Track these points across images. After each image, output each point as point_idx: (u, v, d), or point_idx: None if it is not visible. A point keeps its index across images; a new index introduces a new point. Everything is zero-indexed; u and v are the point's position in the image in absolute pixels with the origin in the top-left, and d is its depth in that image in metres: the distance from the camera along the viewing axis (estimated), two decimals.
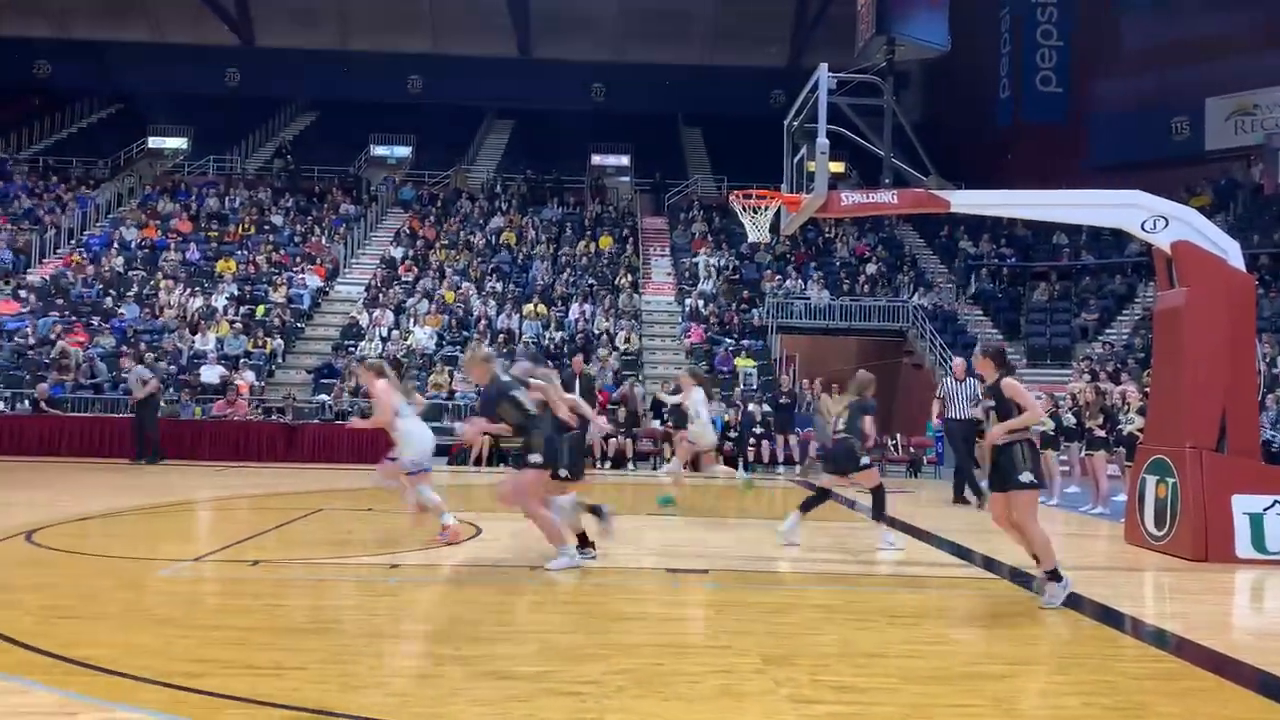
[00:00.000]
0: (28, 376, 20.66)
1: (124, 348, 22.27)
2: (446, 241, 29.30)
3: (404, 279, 26.83)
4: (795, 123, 10.85)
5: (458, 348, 23.16)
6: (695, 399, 12.35)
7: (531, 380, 7.94)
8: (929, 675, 5.14)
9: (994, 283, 27.96)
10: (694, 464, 14.19)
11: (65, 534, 8.95)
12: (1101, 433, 13.41)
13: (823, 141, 9.83)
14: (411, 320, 24.35)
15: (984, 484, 12.82)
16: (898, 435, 20.86)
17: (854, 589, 7.59)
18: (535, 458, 7.57)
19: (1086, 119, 31.38)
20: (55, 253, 27.93)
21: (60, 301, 24.54)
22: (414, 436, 8.94)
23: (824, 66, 10.00)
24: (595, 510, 8.46)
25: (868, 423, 9.39)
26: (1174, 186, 24.20)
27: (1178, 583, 8.38)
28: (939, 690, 4.87)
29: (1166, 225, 9.92)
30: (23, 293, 24.85)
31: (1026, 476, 6.73)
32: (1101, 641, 6.20)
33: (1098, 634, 6.39)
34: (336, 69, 40.44)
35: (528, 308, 25.04)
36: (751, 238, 12.19)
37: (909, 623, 6.36)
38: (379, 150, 36.75)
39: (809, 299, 26.05)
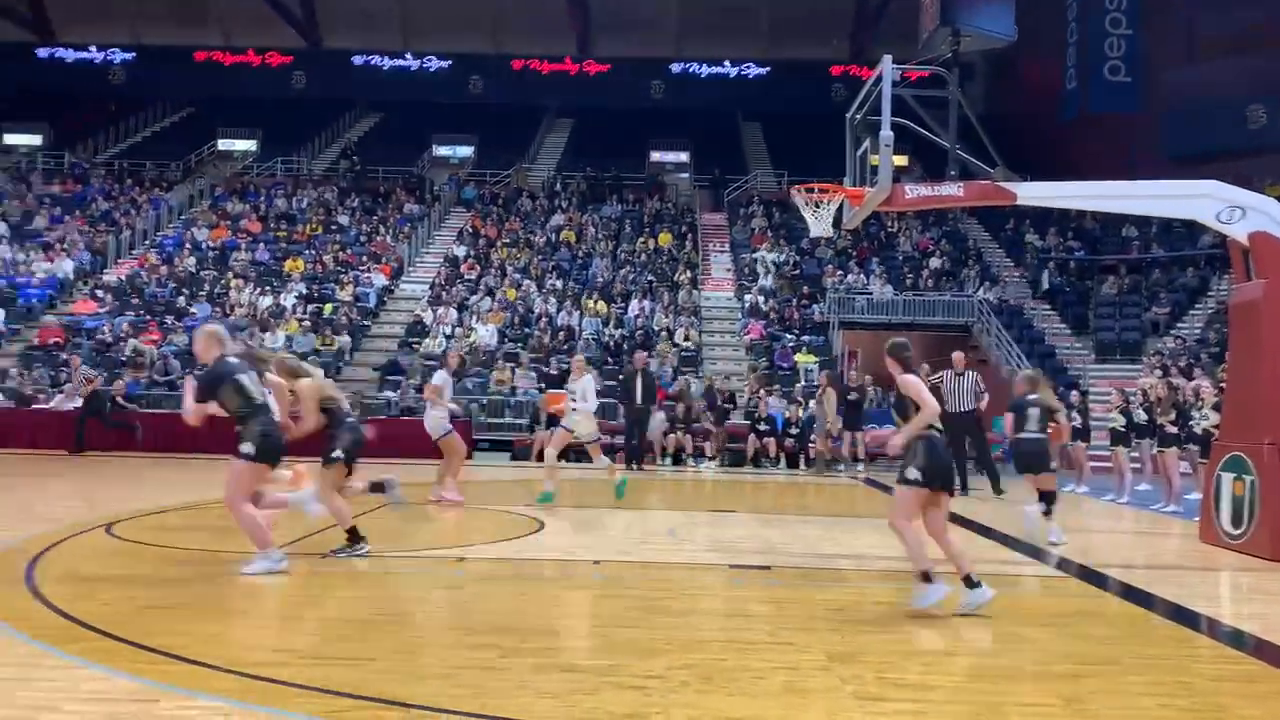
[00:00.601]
0: (105, 374, 21.26)
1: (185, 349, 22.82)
2: (508, 240, 29.54)
3: (467, 277, 27.11)
4: (858, 116, 10.75)
5: (519, 345, 23.38)
6: (583, 386, 11.83)
7: (273, 376, 7.65)
8: (998, 674, 5.08)
9: (1061, 276, 27.43)
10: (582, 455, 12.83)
11: (143, 526, 9.20)
12: (1173, 429, 13.10)
13: (887, 134, 9.72)
14: (474, 318, 24.61)
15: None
16: None
17: None
18: (246, 448, 7.02)
19: (1157, 109, 30.58)
20: (130, 253, 28.70)
21: (135, 301, 25.22)
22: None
23: (888, 58, 9.89)
24: (378, 486, 8.43)
25: (1062, 419, 9.51)
26: (1250, 177, 23.48)
27: (1256, 583, 8.16)
28: (1009, 689, 4.81)
29: (1243, 216, 9.66)
30: (100, 292, 25.60)
31: (912, 473, 6.30)
32: (1176, 642, 6.07)
33: (1172, 634, 6.26)
34: (399, 71, 41.05)
35: (588, 305, 25.16)
36: (814, 232, 12.09)
37: (976, 621, 6.27)
38: (441, 150, 37.14)
39: (871, 294, 25.78)
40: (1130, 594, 7.35)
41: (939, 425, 6.42)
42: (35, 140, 36.68)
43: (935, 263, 27.60)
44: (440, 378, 12.01)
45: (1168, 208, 12.51)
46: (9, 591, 6.26)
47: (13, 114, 37.65)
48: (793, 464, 19.52)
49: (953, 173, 10.39)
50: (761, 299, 25.82)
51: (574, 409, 11.85)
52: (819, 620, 6.18)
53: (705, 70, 40.74)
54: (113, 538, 8.65)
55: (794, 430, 19.65)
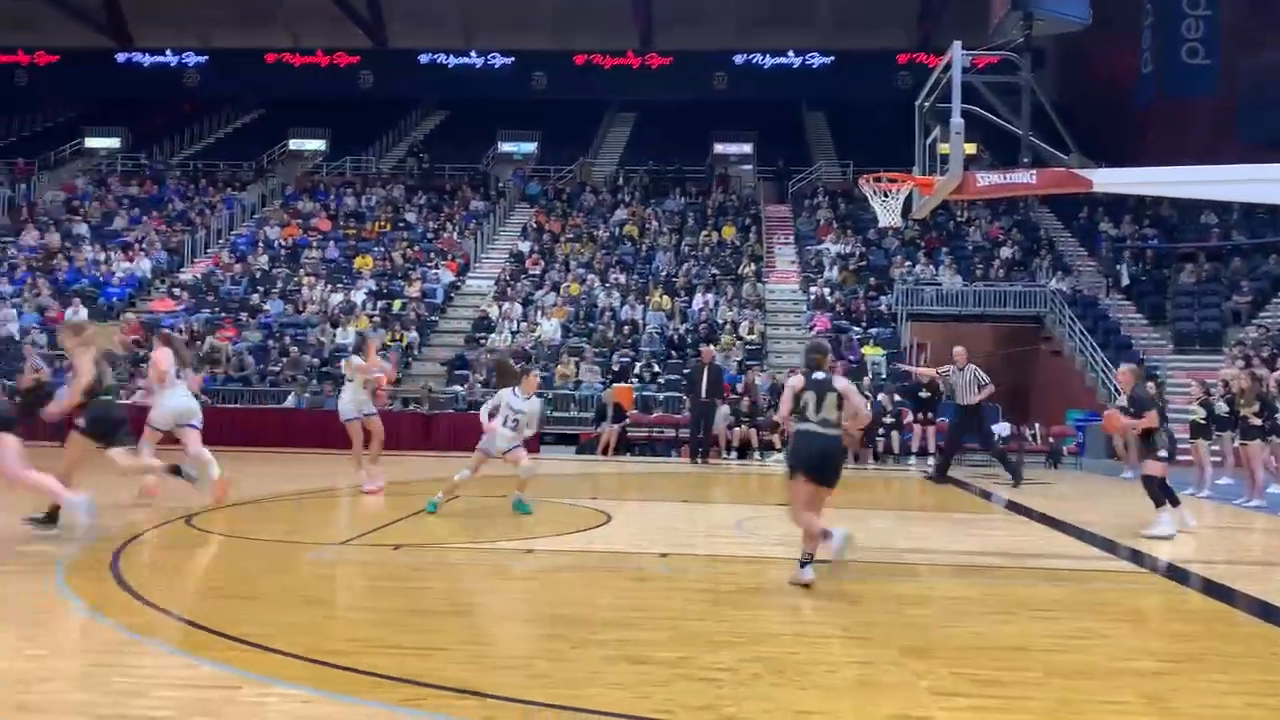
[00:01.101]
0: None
1: (270, 341, 23.36)
2: (571, 235, 29.68)
3: (531, 272, 27.32)
4: (926, 104, 10.58)
5: (584, 339, 23.49)
6: (533, 409, 10.25)
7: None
8: (1075, 670, 4.97)
9: (1137, 265, 26.74)
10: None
11: (222, 519, 9.42)
12: (1257, 421, 12.71)
13: (957, 121, 9.54)
14: (539, 312, 24.78)
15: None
16: (1036, 425, 20.17)
17: (991, 581, 7.40)
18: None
19: (1239, 92, 29.59)
20: (205, 252, 29.45)
21: (211, 298, 25.86)
22: (163, 403, 10.14)
23: (958, 44, 9.71)
24: (176, 470, 8.95)
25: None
26: None
27: None
28: (1087, 685, 4.71)
29: None
30: (177, 290, 26.30)
31: (784, 466, 7.00)
32: (1263, 640, 5.89)
33: (1258, 632, 6.07)
34: (464, 68, 41.46)
35: (651, 299, 25.17)
36: (882, 221, 11.96)
37: (1051, 616, 6.16)
38: (506, 147, 37.43)
39: (940, 285, 25.39)
40: (1212, 590, 7.15)
41: (817, 422, 6.70)
42: (114, 143, 37.81)
43: (1006, 252, 27.11)
44: (359, 361, 11.88)
45: (1253, 193, 12.10)
46: (98, 581, 6.46)
47: (94, 118, 38.89)
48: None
49: (1025, 160, 10.17)
50: (827, 291, 25.59)
51: (510, 430, 10.16)
52: (890, 614, 6.11)
53: (768, 61, 40.46)
54: (193, 529, 8.88)
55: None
